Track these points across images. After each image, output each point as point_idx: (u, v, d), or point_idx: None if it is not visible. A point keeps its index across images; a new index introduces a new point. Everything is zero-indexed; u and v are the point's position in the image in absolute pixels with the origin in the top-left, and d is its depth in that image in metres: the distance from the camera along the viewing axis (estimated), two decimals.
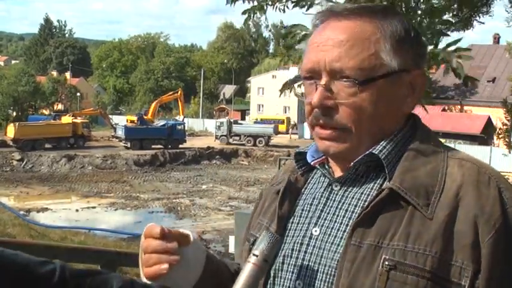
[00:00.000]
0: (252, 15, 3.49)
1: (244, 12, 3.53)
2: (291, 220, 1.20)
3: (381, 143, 1.10)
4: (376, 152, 1.09)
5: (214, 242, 20.36)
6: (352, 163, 1.11)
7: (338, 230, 1.10)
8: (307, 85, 1.14)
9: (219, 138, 46.52)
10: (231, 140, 45.94)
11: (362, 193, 1.11)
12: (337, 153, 1.13)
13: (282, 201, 1.22)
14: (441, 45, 3.25)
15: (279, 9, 3.74)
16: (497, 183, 1.04)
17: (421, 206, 1.03)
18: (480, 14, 4.16)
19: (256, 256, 1.08)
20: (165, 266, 1.09)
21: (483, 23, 4.16)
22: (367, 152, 1.10)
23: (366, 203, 1.07)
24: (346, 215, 1.11)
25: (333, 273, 1.07)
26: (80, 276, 1.13)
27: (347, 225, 1.09)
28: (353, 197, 1.12)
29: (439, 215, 1.01)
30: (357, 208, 1.10)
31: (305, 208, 1.19)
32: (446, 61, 3.13)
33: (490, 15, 4.26)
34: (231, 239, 16.82)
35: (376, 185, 1.11)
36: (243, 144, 44.58)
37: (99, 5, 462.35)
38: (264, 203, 1.31)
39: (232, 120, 48.46)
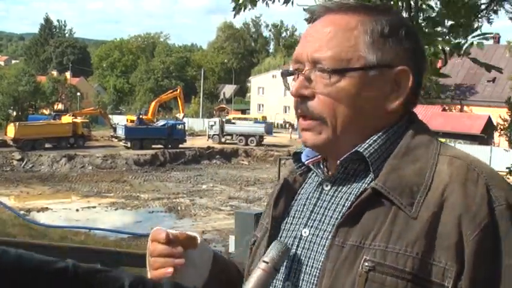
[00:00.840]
0: (243, 8, 3.46)
1: (235, 7, 3.50)
2: (285, 221, 1.19)
3: (368, 141, 1.08)
4: (361, 150, 1.08)
5: (214, 242, 20.36)
6: (338, 161, 1.11)
7: (325, 230, 1.10)
8: (295, 76, 1.15)
9: (212, 138, 47.01)
10: (223, 140, 46.33)
11: (350, 193, 1.10)
12: (314, 146, 1.13)
13: (277, 201, 1.21)
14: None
15: (266, 3, 3.70)
16: (486, 180, 1.01)
17: (404, 205, 1.01)
18: (482, 18, 4.15)
19: (267, 263, 1.10)
20: (170, 270, 1.13)
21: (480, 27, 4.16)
22: (353, 150, 1.09)
23: (349, 203, 1.07)
24: (334, 215, 1.10)
25: (317, 274, 1.07)
26: (92, 273, 1.14)
27: (333, 225, 1.08)
28: (342, 197, 1.11)
29: (424, 214, 0.99)
30: (344, 208, 1.09)
31: (298, 209, 1.18)
32: (466, 52, 3.11)
33: (489, 22, 4.24)
34: (231, 239, 16.78)
35: (364, 184, 1.09)
36: (235, 144, 45.02)
37: (99, 5, 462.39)
38: (267, 204, 1.33)
39: (224, 120, 48.89)
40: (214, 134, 46.95)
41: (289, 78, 1.17)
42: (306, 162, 1.21)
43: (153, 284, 1.15)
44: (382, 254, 0.99)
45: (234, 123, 49.29)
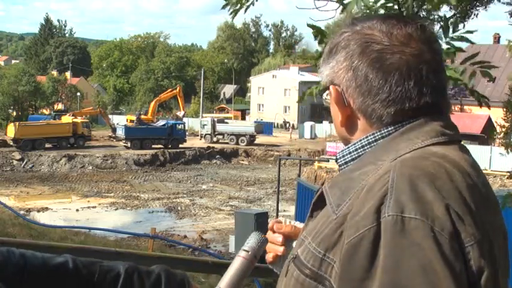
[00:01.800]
0: (235, 10, 3.42)
1: (224, 7, 3.45)
2: None
3: (348, 145, 1.15)
4: (338, 151, 1.19)
5: (214, 242, 20.37)
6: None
7: None
8: None
9: (204, 137, 47.59)
10: (215, 139, 46.95)
11: None
12: None
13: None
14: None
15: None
16: (391, 189, 0.94)
17: (332, 205, 1.04)
18: (477, 8, 4.15)
19: (247, 252, 1.21)
20: (271, 255, 1.29)
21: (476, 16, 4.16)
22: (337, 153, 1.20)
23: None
24: None
25: None
26: (90, 265, 1.21)
27: None
28: None
29: (340, 215, 1.01)
30: None
31: None
32: (464, 84, 3.08)
33: (486, 10, 4.25)
34: (231, 239, 16.84)
35: None
36: (227, 143, 45.85)
37: (98, 4, 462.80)
38: None
39: (216, 120, 49.75)
40: (206, 134, 47.70)
41: None
42: None
43: (146, 270, 1.25)
44: (303, 249, 1.06)
45: (226, 122, 50.21)
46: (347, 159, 1.13)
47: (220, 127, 47.78)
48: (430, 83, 1.07)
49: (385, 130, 1.08)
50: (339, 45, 1.12)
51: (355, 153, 1.12)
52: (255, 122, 54.44)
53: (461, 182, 0.97)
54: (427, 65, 1.07)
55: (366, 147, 1.10)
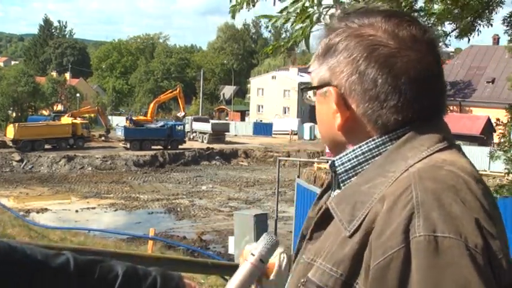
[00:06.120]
0: (238, 9, 3.43)
1: (232, 7, 3.48)
2: None
3: (347, 150, 1.08)
4: (335, 159, 1.10)
5: (213, 243, 20.36)
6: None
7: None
8: None
9: (186, 135, 49.08)
10: (191, 136, 49.52)
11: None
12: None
13: (317, 202, 1.24)
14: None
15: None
16: (416, 207, 0.91)
17: (343, 222, 0.98)
18: (482, 20, 4.13)
19: (254, 256, 1.15)
20: None
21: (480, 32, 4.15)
22: (332, 160, 1.11)
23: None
24: None
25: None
26: (91, 264, 1.23)
27: None
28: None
29: (357, 234, 0.96)
30: None
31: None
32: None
33: (490, 24, 4.22)
34: (231, 240, 16.81)
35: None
36: (196, 140, 48.81)
37: (95, 5, 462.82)
38: None
39: (193, 119, 52.56)
40: (187, 131, 49.51)
41: None
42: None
43: (143, 272, 1.27)
44: (315, 271, 0.99)
45: (208, 121, 52.81)
46: (347, 167, 1.07)
47: (194, 125, 51.02)
48: (433, 87, 1.05)
49: (386, 136, 1.04)
50: (339, 44, 1.06)
51: (355, 160, 1.06)
52: (254, 122, 54.54)
53: (478, 190, 0.95)
54: (431, 69, 1.04)
55: (366, 154, 1.05)
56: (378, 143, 1.04)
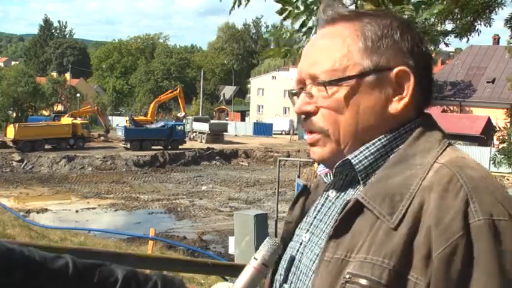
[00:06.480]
0: (237, 4, 3.47)
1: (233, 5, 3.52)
2: (299, 225, 1.20)
3: (361, 148, 1.07)
4: (350, 157, 1.07)
5: (214, 243, 20.37)
6: (334, 168, 1.11)
7: (320, 238, 1.10)
8: (298, 94, 1.17)
9: (187, 135, 49.21)
10: (192, 136, 49.96)
11: (349, 200, 1.07)
12: (320, 159, 1.12)
13: (293, 206, 1.24)
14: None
15: None
16: (469, 193, 0.95)
17: (383, 215, 0.98)
18: (482, 20, 4.13)
19: (257, 260, 1.13)
20: None
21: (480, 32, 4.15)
22: (345, 158, 1.07)
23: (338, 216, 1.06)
24: (330, 224, 1.09)
25: (307, 283, 1.08)
26: (90, 268, 1.22)
27: (328, 234, 1.07)
28: (340, 204, 1.09)
29: (404, 225, 0.96)
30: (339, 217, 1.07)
31: (309, 214, 1.18)
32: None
33: (490, 24, 4.23)
34: (231, 240, 16.80)
35: (355, 193, 1.09)
36: (196, 140, 49.09)
37: (95, 5, 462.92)
38: None
39: (193, 119, 53.14)
40: (188, 131, 49.84)
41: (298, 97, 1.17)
42: (319, 173, 1.21)
43: (144, 277, 1.25)
44: (360, 265, 0.97)
45: (208, 121, 53.30)
46: (365, 164, 1.06)
47: (194, 125, 51.49)
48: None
49: (402, 129, 1.07)
50: (391, 26, 1.07)
51: (371, 157, 1.06)
52: (255, 123, 54.59)
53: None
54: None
55: (381, 150, 1.06)
56: (391, 138, 1.07)
